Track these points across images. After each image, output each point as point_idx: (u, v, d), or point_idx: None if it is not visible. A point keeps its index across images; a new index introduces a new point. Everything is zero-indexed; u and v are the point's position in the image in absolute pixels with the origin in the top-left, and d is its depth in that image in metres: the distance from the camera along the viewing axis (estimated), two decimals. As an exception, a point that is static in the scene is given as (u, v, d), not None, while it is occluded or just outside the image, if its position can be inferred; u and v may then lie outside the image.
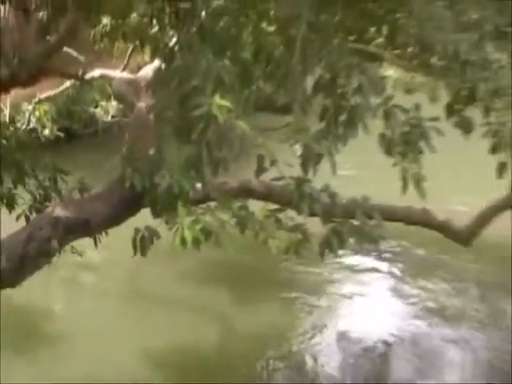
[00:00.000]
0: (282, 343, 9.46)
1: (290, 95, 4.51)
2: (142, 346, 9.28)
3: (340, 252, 4.72)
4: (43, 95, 11.76)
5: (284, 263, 11.04)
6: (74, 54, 9.71)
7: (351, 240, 4.53)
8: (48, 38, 6.25)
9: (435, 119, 4.24)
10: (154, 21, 5.70)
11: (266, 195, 5.36)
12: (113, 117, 13.21)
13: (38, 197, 6.26)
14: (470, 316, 10.04)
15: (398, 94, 4.49)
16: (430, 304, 10.37)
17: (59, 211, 5.33)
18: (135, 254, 4.58)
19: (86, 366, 8.74)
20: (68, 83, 11.51)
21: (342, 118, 4.18)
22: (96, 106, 14.15)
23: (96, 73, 9.27)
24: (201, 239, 4.04)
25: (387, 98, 4.20)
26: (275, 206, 4.78)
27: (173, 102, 4.30)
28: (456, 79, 4.33)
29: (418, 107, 4.26)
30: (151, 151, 4.86)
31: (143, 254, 4.56)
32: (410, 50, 4.62)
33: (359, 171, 13.74)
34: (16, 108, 12.54)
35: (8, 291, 5.60)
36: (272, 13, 4.65)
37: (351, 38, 4.59)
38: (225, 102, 3.89)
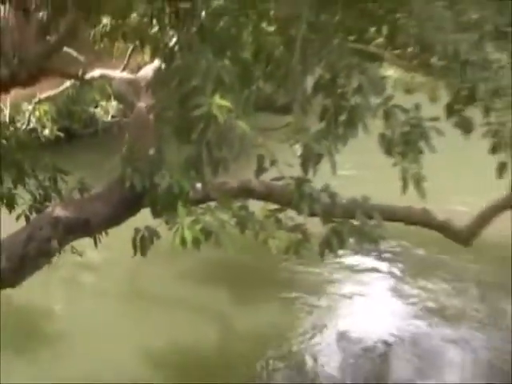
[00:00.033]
0: (281, 343, 9.45)
1: (290, 95, 4.51)
2: (142, 346, 9.28)
3: (340, 252, 4.72)
4: (43, 95, 11.76)
5: (284, 263, 11.03)
6: (74, 53, 9.71)
7: (351, 240, 4.53)
8: (48, 37, 6.25)
9: (435, 119, 4.23)
10: (154, 21, 5.70)
11: (266, 195, 5.36)
12: (113, 117, 13.21)
13: (38, 197, 6.26)
14: (469, 316, 10.03)
15: (398, 94, 4.49)
16: (430, 304, 10.36)
17: (59, 211, 5.33)
18: (135, 254, 4.58)
19: (85, 366, 8.73)
20: (68, 83, 11.51)
21: (342, 118, 4.18)
22: (96, 106, 14.14)
23: (96, 73, 9.27)
24: (201, 239, 4.04)
25: (387, 98, 4.20)
26: (275, 206, 4.78)
27: (173, 102, 4.30)
28: (456, 79, 4.33)
29: (418, 107, 4.26)
30: (151, 151, 4.86)
31: (143, 254, 4.57)
32: (410, 49, 4.62)
33: (359, 171, 13.73)
34: (16, 108, 12.54)
35: (8, 291, 5.60)
36: (272, 13, 4.65)
37: (351, 38, 4.59)
38: (225, 102, 3.89)
